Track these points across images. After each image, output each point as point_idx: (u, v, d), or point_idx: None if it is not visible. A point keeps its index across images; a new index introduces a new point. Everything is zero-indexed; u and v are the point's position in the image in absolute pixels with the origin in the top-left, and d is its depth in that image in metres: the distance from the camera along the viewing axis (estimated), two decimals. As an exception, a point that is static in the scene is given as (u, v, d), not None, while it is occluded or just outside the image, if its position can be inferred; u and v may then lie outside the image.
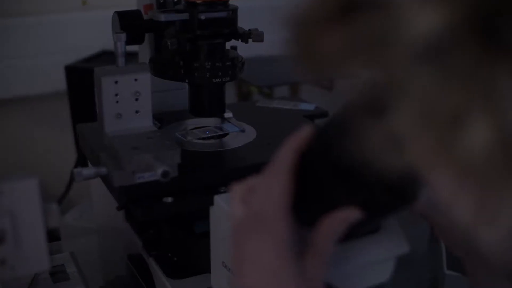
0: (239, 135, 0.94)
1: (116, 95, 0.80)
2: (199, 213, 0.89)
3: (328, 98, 1.39)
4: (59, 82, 1.35)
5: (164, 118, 0.97)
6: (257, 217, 0.55)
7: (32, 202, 0.63)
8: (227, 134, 0.95)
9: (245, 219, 0.56)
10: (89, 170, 0.76)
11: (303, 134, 0.57)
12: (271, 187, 0.55)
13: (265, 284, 0.53)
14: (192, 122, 0.98)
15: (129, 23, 0.87)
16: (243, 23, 0.90)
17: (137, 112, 0.82)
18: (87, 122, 1.00)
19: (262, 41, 0.89)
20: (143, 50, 0.99)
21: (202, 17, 0.84)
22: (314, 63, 0.39)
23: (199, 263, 0.87)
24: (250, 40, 0.89)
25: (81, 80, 1.28)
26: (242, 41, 0.88)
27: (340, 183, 0.54)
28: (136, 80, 0.80)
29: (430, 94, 0.32)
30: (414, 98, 0.33)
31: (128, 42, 0.82)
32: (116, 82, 0.79)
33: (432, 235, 1.19)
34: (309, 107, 1.09)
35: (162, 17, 0.85)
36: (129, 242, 0.98)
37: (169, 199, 0.78)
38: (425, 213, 0.64)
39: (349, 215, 0.54)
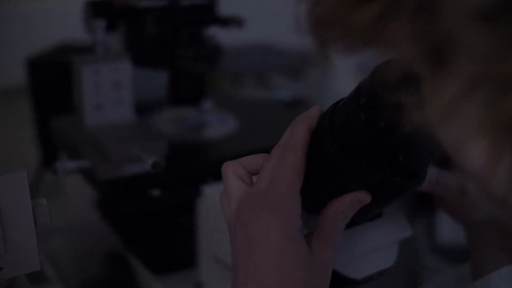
0: (220, 125, 0.91)
1: (97, 84, 0.77)
2: (182, 206, 0.87)
3: (298, 87, 1.38)
4: (18, 76, 1.30)
5: (142, 108, 0.94)
6: (266, 197, 0.52)
7: (21, 197, 0.59)
8: (208, 124, 0.92)
9: (250, 199, 0.54)
10: (72, 164, 0.73)
11: (313, 113, 0.55)
12: (284, 167, 0.52)
13: (272, 264, 0.50)
14: (171, 112, 0.95)
15: (104, 11, 0.83)
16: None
17: (118, 102, 0.79)
18: (50, 116, 0.95)
19: (242, 27, 0.87)
20: (116, 39, 0.95)
21: (184, 3, 0.81)
22: (351, 32, 0.37)
23: (184, 258, 0.84)
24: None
25: (43, 74, 1.23)
26: (223, 27, 0.85)
27: (350, 165, 0.52)
28: (117, 69, 0.77)
29: (487, 55, 0.31)
30: (469, 59, 0.31)
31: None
32: (96, 71, 0.76)
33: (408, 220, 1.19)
34: (285, 95, 1.07)
35: (142, 4, 0.82)
36: (106, 239, 0.95)
37: (156, 192, 0.75)
38: (429, 189, 0.64)
39: (360, 198, 0.53)
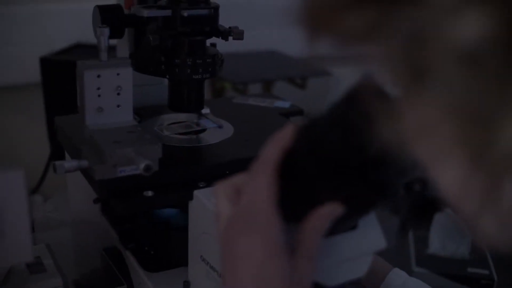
0: (216, 131, 0.95)
1: (98, 89, 0.81)
2: (176, 207, 0.91)
3: (301, 96, 1.41)
4: (33, 74, 1.34)
5: (142, 113, 0.98)
6: (247, 217, 0.56)
7: (18, 194, 0.63)
8: (204, 129, 0.96)
9: (234, 219, 0.58)
10: (70, 163, 0.77)
11: (287, 131, 0.58)
12: (258, 186, 0.56)
13: (255, 282, 0.54)
14: (170, 117, 0.99)
15: (110, 17, 0.87)
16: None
17: (118, 106, 0.83)
18: (61, 114, 1.00)
19: (242, 39, 0.90)
20: (122, 45, 0.99)
21: (185, 14, 0.85)
22: (343, 31, 0.36)
23: (176, 257, 0.88)
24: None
25: (56, 72, 1.28)
26: (222, 38, 0.89)
27: (324, 179, 0.55)
28: (118, 74, 0.81)
29: (463, 91, 0.33)
30: (445, 91, 0.33)
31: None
32: (98, 76, 0.80)
33: (400, 232, 1.21)
34: (284, 104, 1.10)
35: (145, 13, 0.86)
36: (105, 235, 0.99)
37: (150, 193, 0.79)
38: None
39: (332, 210, 0.56)
